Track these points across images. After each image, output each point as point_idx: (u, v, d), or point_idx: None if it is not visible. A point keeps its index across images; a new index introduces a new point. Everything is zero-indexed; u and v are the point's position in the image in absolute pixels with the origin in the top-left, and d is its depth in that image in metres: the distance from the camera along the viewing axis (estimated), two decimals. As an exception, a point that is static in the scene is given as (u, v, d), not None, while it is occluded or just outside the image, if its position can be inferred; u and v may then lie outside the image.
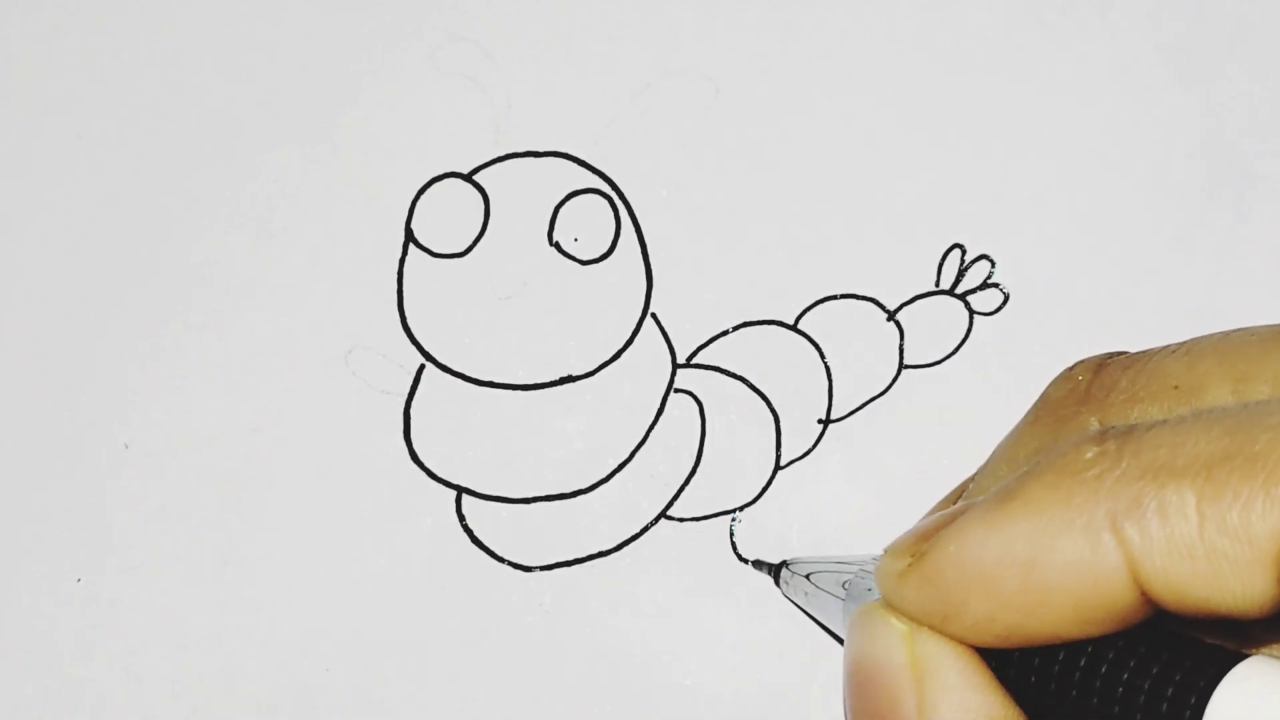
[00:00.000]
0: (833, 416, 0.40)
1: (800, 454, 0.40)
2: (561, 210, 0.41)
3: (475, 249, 0.41)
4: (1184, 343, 0.32)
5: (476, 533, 0.39)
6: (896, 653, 0.29)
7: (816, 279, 0.40)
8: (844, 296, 0.40)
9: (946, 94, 0.41)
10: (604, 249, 0.40)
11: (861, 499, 0.39)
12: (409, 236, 0.41)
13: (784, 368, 0.40)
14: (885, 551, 0.29)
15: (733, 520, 0.40)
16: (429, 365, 0.40)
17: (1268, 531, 0.25)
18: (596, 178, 0.41)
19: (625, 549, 0.39)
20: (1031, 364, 0.40)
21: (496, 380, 0.40)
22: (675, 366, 0.40)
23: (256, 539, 0.39)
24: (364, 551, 0.39)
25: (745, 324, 0.40)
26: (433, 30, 0.42)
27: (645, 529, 0.39)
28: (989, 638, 0.28)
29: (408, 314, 0.40)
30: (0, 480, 0.39)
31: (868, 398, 0.40)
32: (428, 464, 0.39)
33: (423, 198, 0.41)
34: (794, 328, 0.40)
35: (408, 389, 0.40)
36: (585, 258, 0.40)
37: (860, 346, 0.40)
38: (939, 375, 0.40)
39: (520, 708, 0.38)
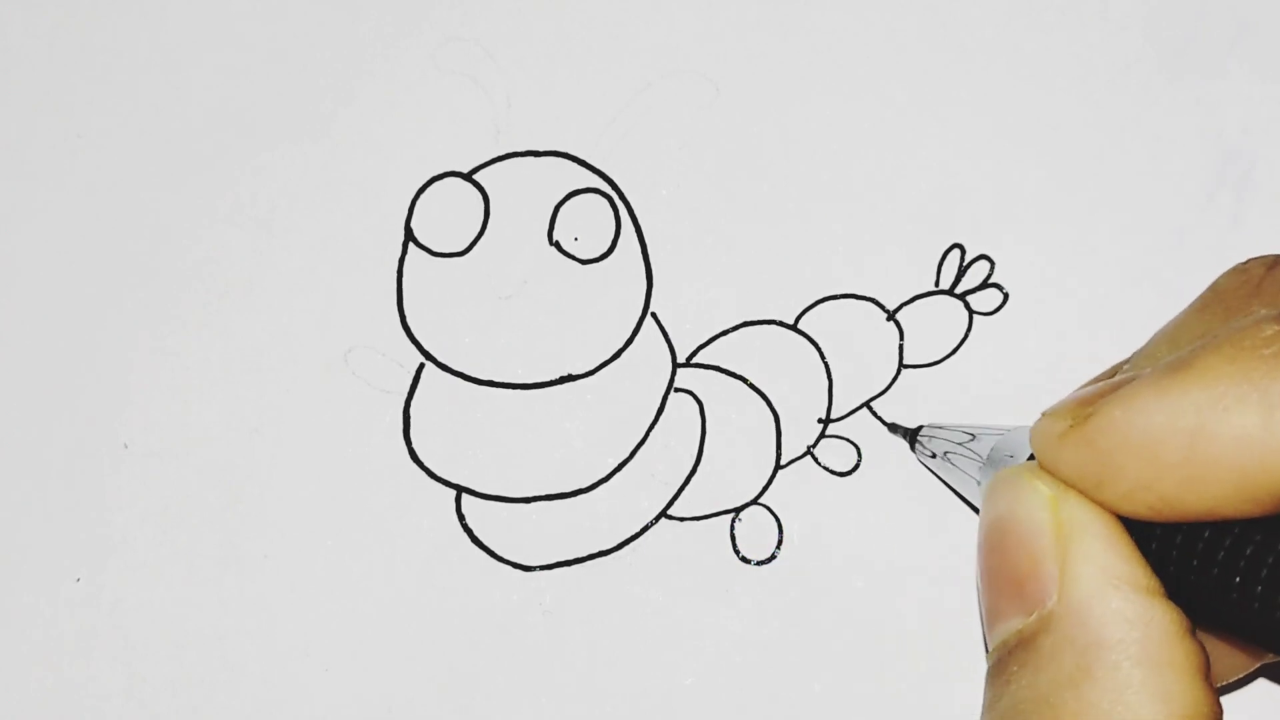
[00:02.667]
0: (833, 416, 0.40)
1: (800, 454, 0.40)
2: (561, 210, 0.41)
3: (475, 248, 0.41)
4: None
5: (476, 532, 0.39)
6: (1040, 514, 0.28)
7: (816, 279, 0.40)
8: (844, 296, 0.40)
9: (946, 94, 0.41)
10: (604, 248, 0.40)
11: (862, 499, 0.39)
12: (409, 236, 0.41)
13: (784, 367, 0.40)
14: (1044, 414, 0.29)
15: (734, 520, 0.40)
16: (429, 364, 0.40)
17: None
18: (596, 177, 0.41)
19: (625, 549, 0.39)
20: (1031, 364, 0.40)
21: (496, 379, 0.40)
22: (675, 366, 0.40)
23: (256, 539, 0.39)
24: (364, 551, 0.39)
25: (745, 323, 0.40)
26: (433, 29, 0.42)
27: (645, 529, 0.39)
28: (1141, 508, 0.28)
29: (407, 313, 0.40)
30: (0, 480, 0.39)
31: (868, 398, 0.40)
32: (427, 463, 0.39)
33: (423, 197, 0.41)
34: (794, 327, 0.40)
35: (407, 388, 0.40)
36: (585, 257, 0.40)
37: (860, 346, 0.40)
38: (939, 375, 0.40)
39: (520, 708, 0.38)
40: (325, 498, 0.39)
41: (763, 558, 0.39)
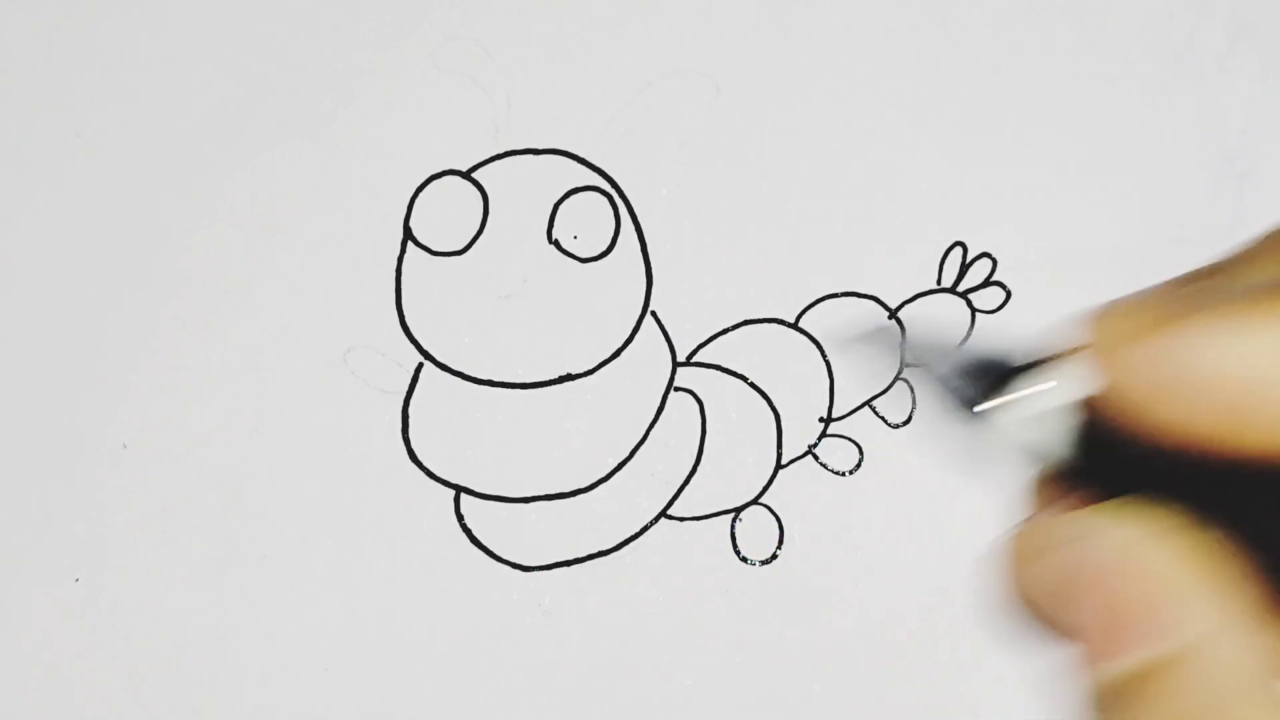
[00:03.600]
0: (834, 415, 0.40)
1: (801, 453, 0.40)
2: (561, 208, 0.41)
3: (474, 247, 0.41)
4: None
5: (475, 532, 0.39)
6: (1156, 548, 0.26)
7: (817, 277, 0.40)
8: (845, 295, 0.40)
9: (947, 93, 0.41)
10: (604, 247, 0.40)
11: (863, 498, 0.39)
12: (407, 234, 0.41)
13: (785, 366, 0.40)
14: (1106, 311, 0.25)
15: (734, 520, 0.40)
16: (428, 364, 0.40)
17: None
18: (596, 175, 0.41)
19: (625, 549, 0.39)
20: (1032, 363, 0.40)
21: (495, 379, 0.40)
22: (675, 365, 0.40)
23: (255, 539, 0.39)
24: (363, 551, 0.39)
25: (746, 322, 0.40)
26: (433, 29, 0.42)
27: (645, 529, 0.39)
28: (1200, 430, 0.24)
29: (406, 313, 0.40)
30: (0, 480, 0.39)
31: (869, 396, 0.40)
32: (426, 463, 0.39)
33: (421, 195, 0.41)
34: (795, 326, 0.40)
35: (406, 388, 0.40)
36: (585, 255, 0.40)
37: (862, 345, 0.40)
38: (939, 374, 0.40)
39: (520, 707, 0.38)
40: (324, 498, 0.39)
41: (763, 558, 0.39)
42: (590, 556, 0.39)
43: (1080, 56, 0.42)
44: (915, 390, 0.40)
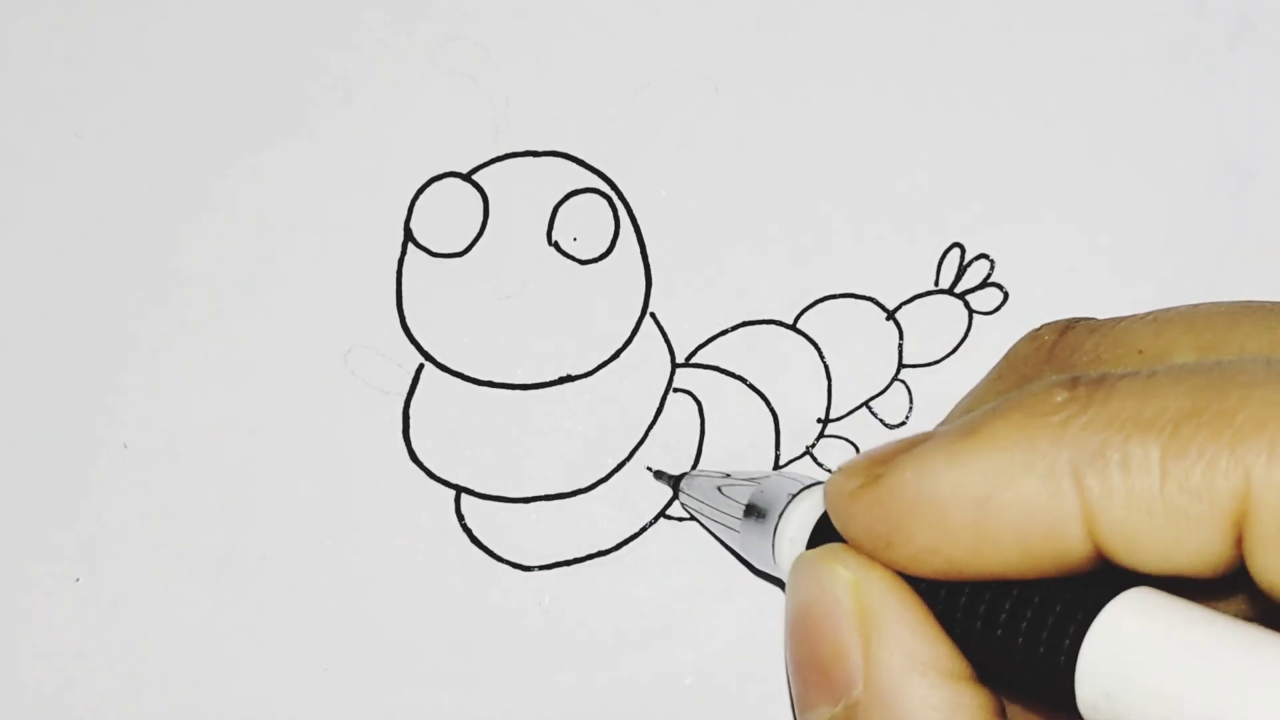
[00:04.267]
0: (832, 416, 0.40)
1: (799, 454, 0.40)
2: (560, 209, 0.41)
3: (474, 248, 0.41)
4: (1152, 311, 0.31)
5: (475, 532, 0.39)
6: (843, 600, 0.28)
7: (816, 278, 0.40)
8: (843, 296, 0.40)
9: (946, 92, 0.41)
10: (603, 248, 0.40)
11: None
12: (408, 236, 0.41)
13: (783, 367, 0.40)
14: (839, 470, 0.29)
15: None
16: (428, 365, 0.40)
17: (1230, 490, 0.24)
18: (595, 177, 0.41)
19: (625, 549, 0.39)
20: (1031, 363, 0.40)
21: (496, 380, 0.40)
22: (674, 366, 0.40)
23: (255, 539, 0.39)
24: (363, 551, 0.39)
25: (744, 323, 0.40)
26: (432, 29, 0.42)
27: (645, 529, 0.39)
28: (929, 569, 0.27)
29: (406, 313, 0.40)
30: (0, 480, 0.39)
31: (867, 397, 0.40)
32: (427, 464, 0.39)
33: (422, 197, 0.41)
34: (793, 327, 0.40)
35: (407, 388, 0.40)
36: (584, 257, 0.40)
37: (859, 346, 0.40)
38: (938, 374, 0.40)
39: (519, 708, 0.38)
40: (324, 498, 0.39)
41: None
42: (590, 556, 0.39)
43: (1080, 56, 0.42)
44: (912, 391, 0.40)
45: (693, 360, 0.40)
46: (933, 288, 0.41)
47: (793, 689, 0.30)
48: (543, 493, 0.39)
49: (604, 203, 0.41)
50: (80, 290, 0.40)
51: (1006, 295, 0.41)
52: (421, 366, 0.40)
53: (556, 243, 0.40)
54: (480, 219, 0.41)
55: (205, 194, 0.41)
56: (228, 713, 0.38)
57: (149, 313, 0.40)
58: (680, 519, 0.39)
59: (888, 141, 0.41)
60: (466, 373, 0.40)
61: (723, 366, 0.40)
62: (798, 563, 0.30)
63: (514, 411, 0.40)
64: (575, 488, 0.40)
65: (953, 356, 0.40)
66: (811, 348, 0.40)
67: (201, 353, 0.40)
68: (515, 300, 0.40)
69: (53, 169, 0.41)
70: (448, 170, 0.41)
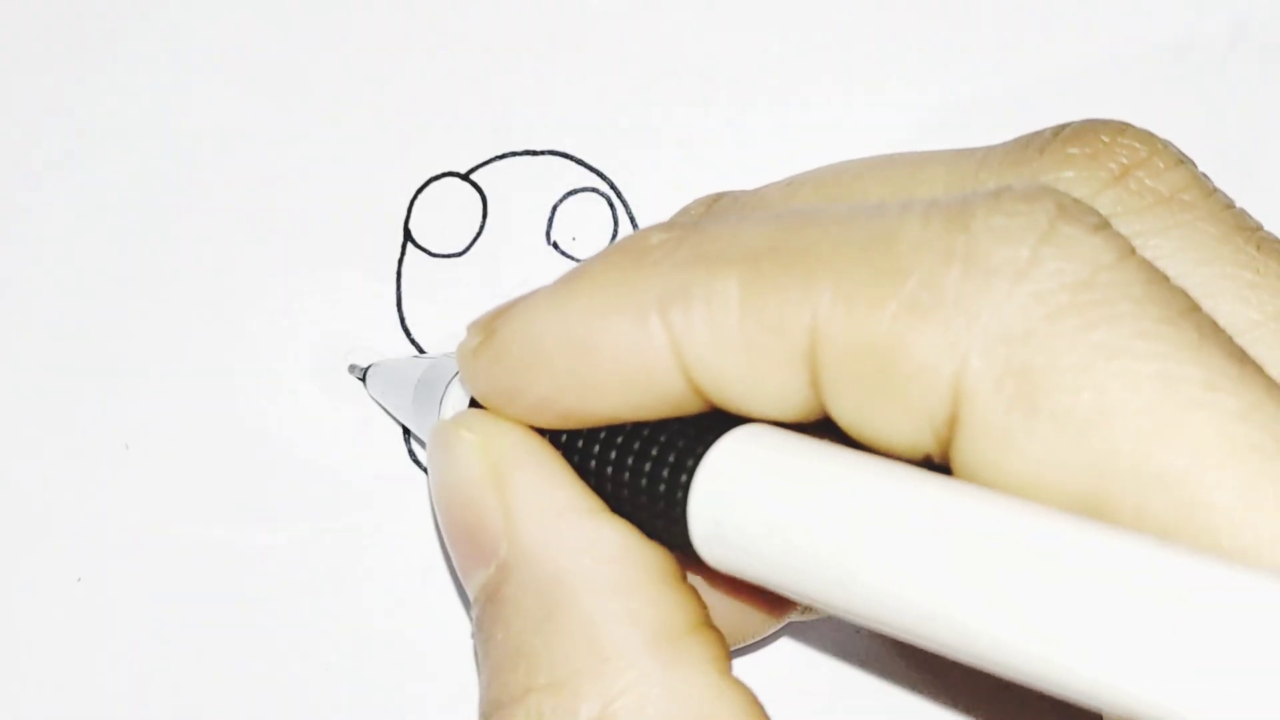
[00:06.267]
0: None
1: (799, 453, 0.40)
2: (559, 209, 0.41)
3: (473, 249, 0.41)
4: (794, 175, 0.32)
5: (475, 532, 0.39)
6: (473, 462, 0.28)
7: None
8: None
9: (946, 93, 0.41)
10: (603, 248, 0.40)
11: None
12: (407, 236, 0.41)
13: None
14: (467, 328, 0.29)
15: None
16: (428, 365, 0.40)
17: (802, 326, 0.24)
18: (594, 177, 0.41)
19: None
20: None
21: (495, 380, 0.40)
22: (674, 366, 0.40)
23: (256, 539, 0.39)
24: (363, 551, 0.39)
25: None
26: (431, 28, 0.42)
27: (644, 528, 0.39)
28: (551, 419, 0.27)
29: (406, 314, 0.40)
30: (1, 480, 0.39)
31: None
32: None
33: (421, 197, 0.41)
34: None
35: (406, 389, 0.40)
36: (584, 257, 0.40)
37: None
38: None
39: (519, 707, 0.38)
40: (325, 498, 0.39)
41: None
42: (589, 557, 0.39)
43: (1079, 57, 0.42)
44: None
45: (692, 360, 0.40)
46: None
47: (452, 561, 0.30)
48: (542, 492, 0.39)
49: (603, 202, 0.41)
50: (80, 290, 0.40)
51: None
52: (421, 366, 0.40)
53: (555, 243, 0.40)
54: (479, 219, 0.41)
55: (205, 194, 0.41)
56: (228, 712, 0.38)
57: (149, 313, 0.40)
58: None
59: (888, 141, 0.41)
60: (466, 373, 0.40)
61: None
62: (431, 435, 0.30)
63: (514, 411, 0.40)
64: (575, 487, 0.40)
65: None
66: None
67: (201, 353, 0.40)
68: (515, 300, 0.40)
69: (52, 168, 0.41)
70: (447, 170, 0.41)
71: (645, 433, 0.27)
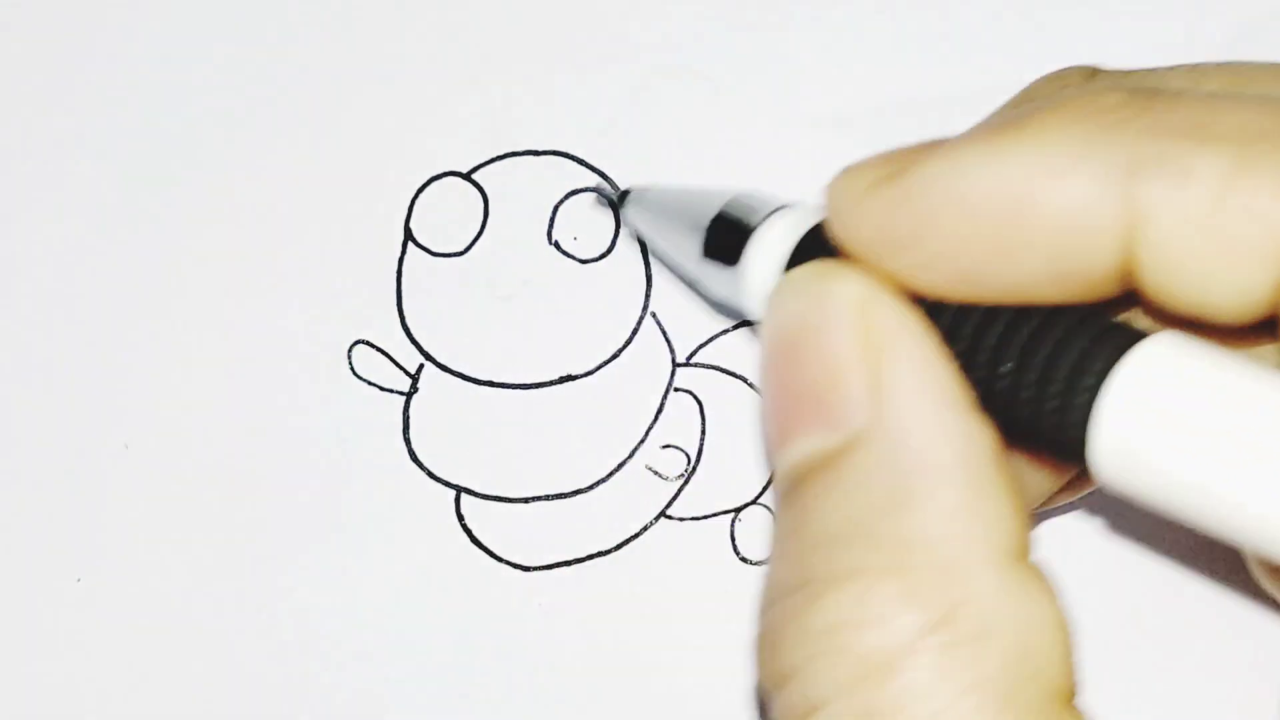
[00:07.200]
0: (832, 416, 0.40)
1: (800, 453, 0.40)
2: (560, 209, 0.41)
3: (474, 248, 0.41)
4: (1190, 64, 0.29)
5: (475, 532, 0.39)
6: (847, 323, 0.25)
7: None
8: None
9: (945, 94, 0.41)
10: (603, 248, 0.40)
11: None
12: (408, 235, 0.41)
13: (783, 367, 0.40)
14: (845, 170, 0.26)
15: (734, 520, 0.39)
16: (428, 365, 0.40)
17: None
18: (596, 177, 0.41)
19: (624, 549, 0.39)
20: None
21: (496, 380, 0.40)
22: (675, 366, 0.40)
23: (256, 539, 0.39)
24: (363, 551, 0.39)
25: (745, 323, 0.40)
26: (432, 29, 0.42)
27: (645, 529, 0.39)
28: (944, 280, 0.25)
29: (406, 313, 0.40)
30: (0, 480, 0.39)
31: (867, 397, 0.40)
32: (427, 464, 0.39)
33: (421, 196, 0.41)
34: (793, 327, 0.40)
35: (407, 388, 0.40)
36: (585, 257, 0.40)
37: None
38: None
39: (518, 708, 0.38)
40: (325, 498, 0.39)
41: (763, 558, 0.39)
42: (589, 556, 0.39)
43: (1079, 56, 0.42)
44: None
45: (693, 360, 0.40)
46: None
47: (766, 421, 0.27)
48: (542, 493, 0.39)
49: (604, 202, 0.41)
50: (80, 289, 0.40)
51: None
52: (422, 366, 0.40)
53: (557, 242, 0.40)
54: (480, 219, 0.41)
55: (205, 193, 0.41)
56: (227, 712, 0.38)
57: (149, 312, 0.40)
58: (680, 519, 0.39)
59: (888, 142, 0.41)
60: (466, 373, 0.40)
61: (723, 366, 0.40)
62: (786, 280, 0.26)
63: (514, 411, 0.40)
64: (575, 488, 0.40)
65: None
66: (812, 347, 0.40)
67: (202, 353, 0.40)
68: (515, 300, 0.40)
69: (51, 168, 0.41)
70: (448, 170, 0.41)
71: (1044, 320, 0.24)
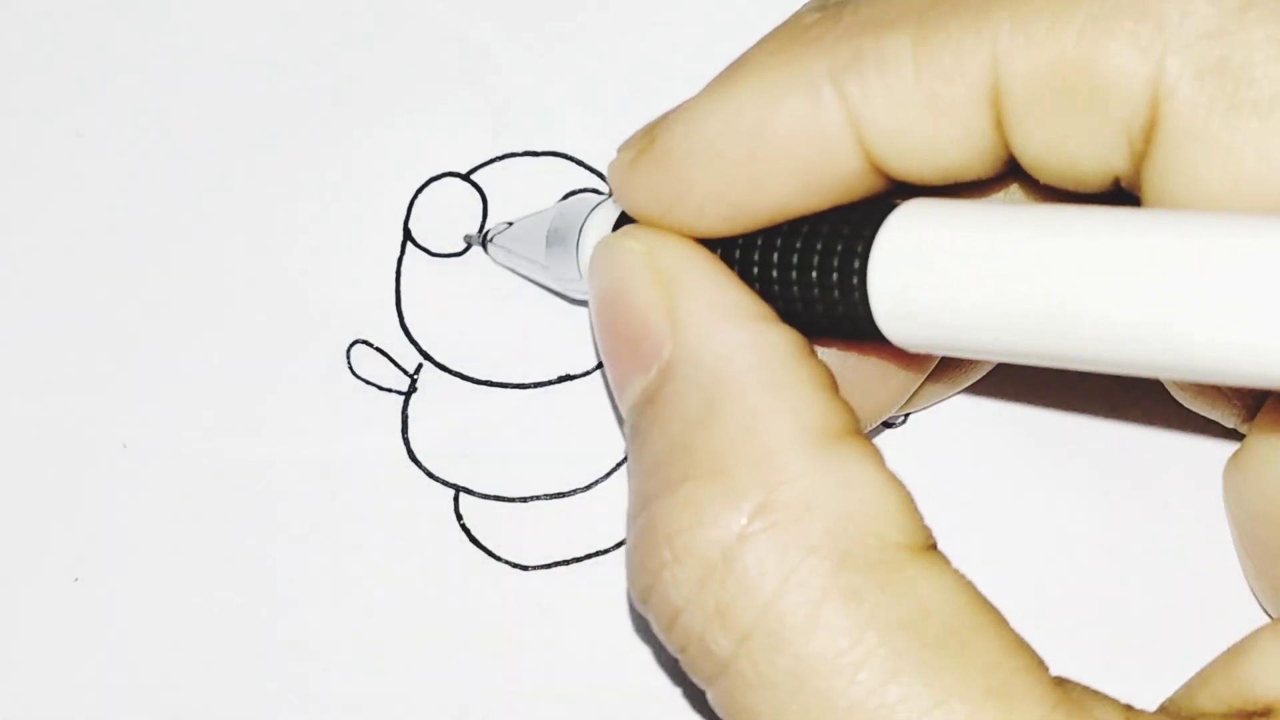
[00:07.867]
0: (831, 415, 0.40)
1: (799, 453, 0.40)
2: (559, 209, 0.41)
3: (473, 248, 0.41)
4: None
5: (474, 532, 0.39)
6: (638, 270, 0.28)
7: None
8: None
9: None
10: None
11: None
12: (407, 235, 0.41)
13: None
14: (619, 148, 0.30)
15: None
16: (427, 364, 0.40)
17: (980, 67, 0.24)
18: (595, 177, 0.41)
19: (623, 548, 0.39)
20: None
21: (495, 379, 0.40)
22: (673, 365, 0.40)
23: (255, 539, 0.39)
24: (362, 551, 0.39)
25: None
26: (432, 29, 0.42)
27: (644, 529, 0.39)
28: (716, 221, 0.28)
29: (406, 313, 0.40)
30: None
31: (866, 396, 0.40)
32: (426, 463, 0.39)
33: (421, 197, 0.41)
34: (792, 326, 0.40)
35: (406, 388, 0.40)
36: (583, 256, 0.40)
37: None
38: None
39: (517, 708, 0.38)
40: (324, 497, 0.39)
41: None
42: (588, 556, 0.39)
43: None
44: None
45: (691, 359, 0.40)
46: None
47: (607, 375, 0.30)
48: (542, 492, 0.39)
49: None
50: (80, 289, 0.40)
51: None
52: (421, 366, 0.40)
53: (555, 242, 0.40)
54: (480, 219, 0.41)
55: (205, 193, 0.41)
56: (227, 712, 0.38)
57: (149, 312, 0.40)
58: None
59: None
60: (466, 372, 0.40)
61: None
62: (593, 253, 0.30)
63: (513, 411, 0.40)
64: (575, 487, 0.40)
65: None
66: (810, 346, 0.40)
67: (201, 352, 0.40)
68: (515, 300, 0.40)
69: (52, 168, 0.41)
70: (447, 170, 0.41)
71: (811, 225, 0.26)
